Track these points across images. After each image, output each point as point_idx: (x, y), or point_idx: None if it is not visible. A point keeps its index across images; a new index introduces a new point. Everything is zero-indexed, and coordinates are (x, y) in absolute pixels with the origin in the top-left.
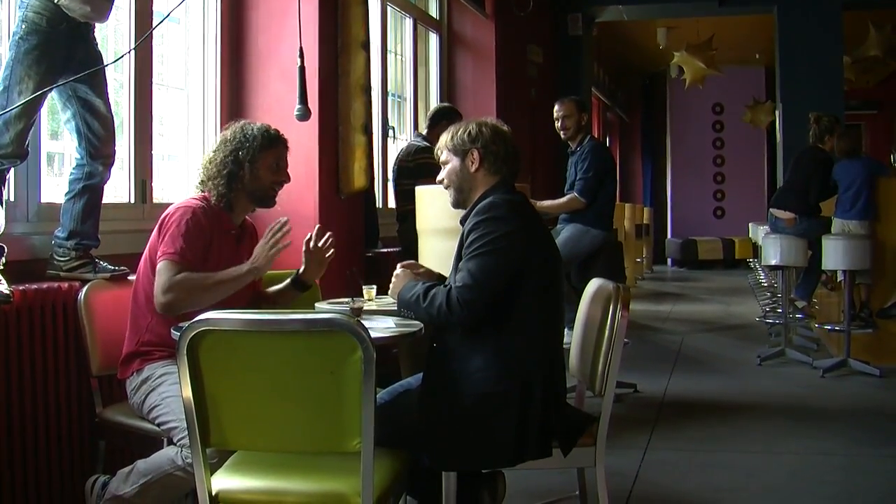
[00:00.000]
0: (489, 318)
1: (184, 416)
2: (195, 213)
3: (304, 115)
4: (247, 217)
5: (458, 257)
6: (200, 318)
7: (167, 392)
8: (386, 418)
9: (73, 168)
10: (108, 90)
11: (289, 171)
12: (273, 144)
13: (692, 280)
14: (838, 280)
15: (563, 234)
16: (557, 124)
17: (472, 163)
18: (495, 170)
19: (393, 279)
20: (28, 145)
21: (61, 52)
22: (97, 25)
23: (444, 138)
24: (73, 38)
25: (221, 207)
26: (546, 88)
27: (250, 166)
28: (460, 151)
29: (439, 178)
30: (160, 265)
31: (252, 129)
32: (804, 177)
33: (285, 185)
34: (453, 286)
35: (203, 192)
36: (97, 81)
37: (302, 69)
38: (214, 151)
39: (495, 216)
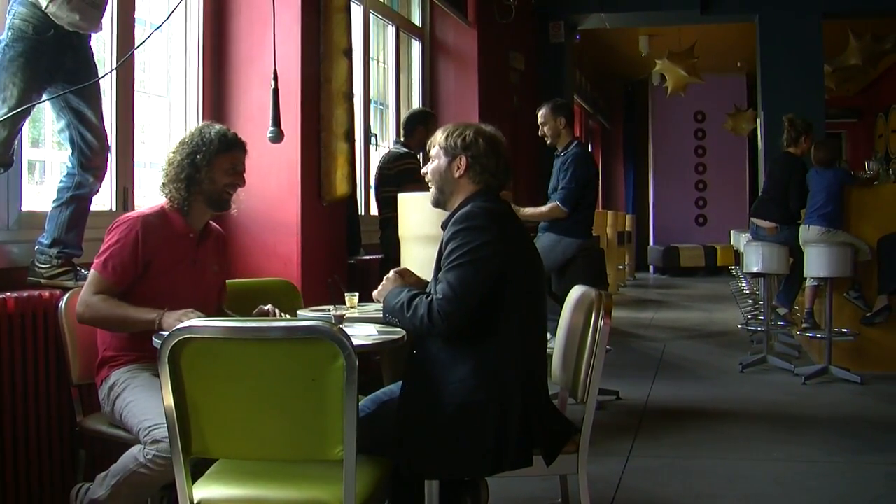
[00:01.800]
0: (470, 328)
1: (148, 416)
2: (134, 225)
3: (277, 137)
4: (213, 224)
5: (438, 266)
6: (182, 326)
7: (130, 397)
8: (368, 426)
9: (64, 176)
10: (102, 101)
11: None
12: (229, 148)
13: (674, 287)
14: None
15: (537, 243)
16: (540, 131)
17: (458, 168)
18: (479, 179)
19: (382, 283)
20: (13, 153)
21: (47, 60)
22: (93, 35)
23: (441, 134)
24: (62, 46)
25: (178, 212)
26: (528, 95)
27: (207, 170)
28: (450, 153)
29: (424, 169)
30: (89, 273)
31: (210, 133)
32: (781, 185)
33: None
34: (434, 298)
35: (163, 195)
36: (90, 93)
37: (276, 92)
38: (172, 153)
39: (473, 225)
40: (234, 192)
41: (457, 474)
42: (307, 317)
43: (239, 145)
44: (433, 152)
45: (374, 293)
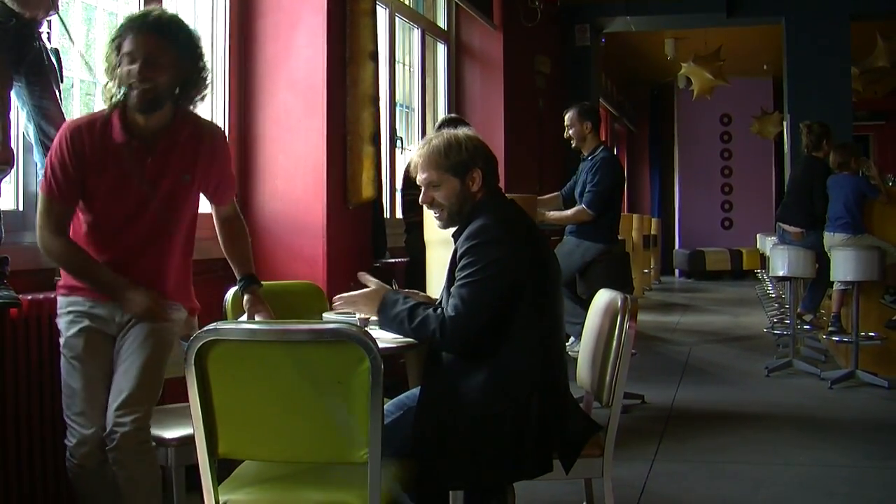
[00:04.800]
0: (485, 339)
1: (67, 404)
2: (62, 134)
3: None
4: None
5: (451, 277)
6: (208, 327)
7: (63, 371)
8: (393, 429)
9: (41, 180)
10: (61, 92)
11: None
12: (126, 32)
13: (700, 291)
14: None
15: (559, 247)
16: (566, 134)
17: (473, 183)
18: (487, 185)
19: (359, 299)
20: (11, 151)
21: (12, 51)
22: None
23: (432, 156)
24: (22, 37)
25: (118, 115)
26: (554, 99)
27: (118, 60)
28: (461, 170)
29: (427, 199)
30: (39, 195)
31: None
32: (804, 188)
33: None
34: (446, 314)
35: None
36: (48, 84)
37: None
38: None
39: (488, 239)
40: (140, 84)
41: (476, 484)
42: (333, 319)
43: (136, 27)
44: (434, 178)
45: (351, 307)
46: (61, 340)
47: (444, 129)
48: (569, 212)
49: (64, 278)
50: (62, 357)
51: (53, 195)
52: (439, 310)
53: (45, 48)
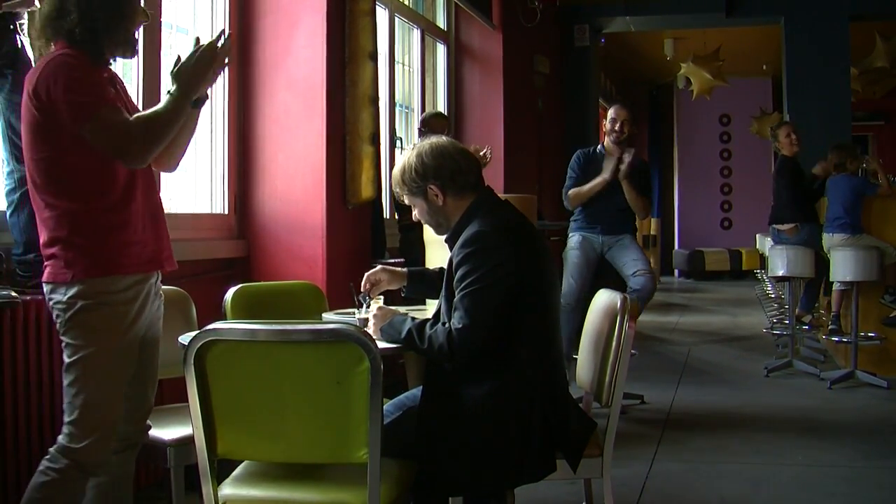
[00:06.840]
0: (491, 345)
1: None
2: (74, 61)
3: None
4: None
5: (449, 289)
6: (208, 328)
7: (89, 375)
8: (392, 429)
9: (6, 178)
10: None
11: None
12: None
13: (699, 291)
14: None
15: (629, 244)
16: (614, 126)
17: (437, 197)
18: (461, 190)
19: (371, 320)
20: None
21: None
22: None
23: (397, 179)
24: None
25: (80, 52)
26: (553, 99)
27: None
28: (419, 191)
29: (414, 217)
30: (92, 123)
31: None
32: (782, 188)
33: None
34: (453, 327)
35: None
36: (20, 79)
37: None
38: None
39: (483, 247)
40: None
41: (479, 490)
42: (332, 320)
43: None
44: (406, 200)
45: (370, 331)
46: (79, 350)
47: (425, 129)
48: (644, 198)
49: (91, 251)
50: (86, 360)
51: (108, 98)
52: (447, 324)
53: (24, 43)
